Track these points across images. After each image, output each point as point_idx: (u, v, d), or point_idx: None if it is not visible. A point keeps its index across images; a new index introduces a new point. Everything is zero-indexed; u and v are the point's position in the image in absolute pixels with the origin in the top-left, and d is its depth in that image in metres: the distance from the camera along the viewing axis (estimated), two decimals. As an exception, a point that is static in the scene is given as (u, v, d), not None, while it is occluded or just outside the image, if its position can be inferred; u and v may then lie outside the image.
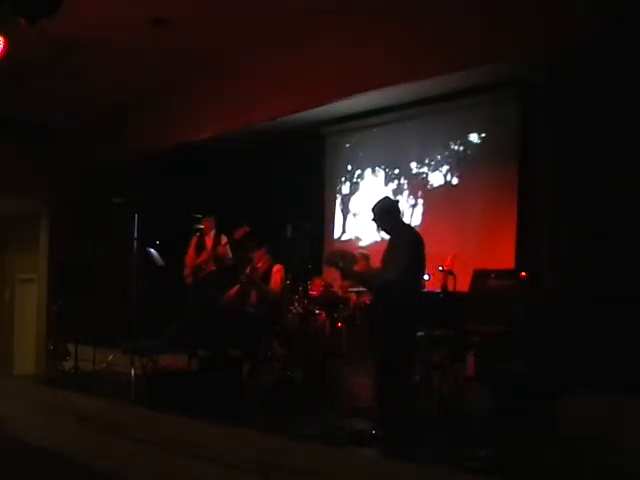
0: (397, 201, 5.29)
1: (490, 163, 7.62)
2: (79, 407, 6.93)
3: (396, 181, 8.58)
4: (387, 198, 5.37)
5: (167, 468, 5.57)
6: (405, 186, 8.46)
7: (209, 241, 7.99)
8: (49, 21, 5.11)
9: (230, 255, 7.83)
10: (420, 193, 8.29)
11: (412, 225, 5.47)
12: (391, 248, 5.02)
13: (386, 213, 5.11)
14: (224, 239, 7.86)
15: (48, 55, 7.63)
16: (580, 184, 5.16)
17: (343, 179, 9.31)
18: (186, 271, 8.01)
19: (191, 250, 8.07)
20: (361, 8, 6.67)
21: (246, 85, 8.04)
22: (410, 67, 6.47)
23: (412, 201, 8.33)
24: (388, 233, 5.13)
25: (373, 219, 5.14)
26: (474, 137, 7.76)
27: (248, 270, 7.33)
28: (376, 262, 5.66)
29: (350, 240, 9.06)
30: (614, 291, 4.88)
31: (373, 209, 5.19)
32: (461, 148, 7.90)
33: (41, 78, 8.37)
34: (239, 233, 7.40)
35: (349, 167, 9.24)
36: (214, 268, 7.84)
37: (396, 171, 8.60)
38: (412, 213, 8.33)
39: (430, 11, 6.26)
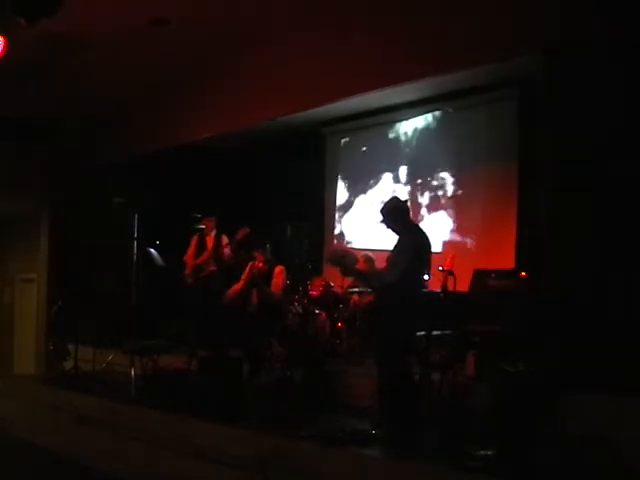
0: (406, 201, 5.28)
1: (490, 163, 7.62)
2: (79, 407, 6.93)
3: (396, 181, 8.57)
4: (396, 198, 5.35)
5: (167, 468, 5.57)
6: (405, 186, 8.46)
7: (210, 241, 7.99)
8: (49, 21, 5.11)
9: (231, 255, 7.83)
10: (420, 193, 8.28)
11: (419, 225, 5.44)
12: (399, 248, 5.01)
13: (395, 213, 5.11)
14: (225, 239, 7.86)
15: (48, 55, 7.63)
16: (580, 184, 5.15)
17: (343, 179, 9.31)
18: (187, 271, 8.01)
19: (191, 250, 8.06)
20: (361, 8, 6.68)
21: (246, 85, 8.04)
22: (410, 67, 6.47)
23: (412, 201, 8.31)
24: (397, 233, 5.11)
25: (382, 220, 5.14)
26: (474, 137, 7.75)
27: (248, 270, 7.33)
28: (380, 265, 5.65)
29: (351, 243, 9.05)
30: (614, 291, 4.88)
31: (382, 209, 5.19)
32: (461, 148, 7.89)
33: (41, 78, 8.37)
34: (240, 234, 7.40)
35: (349, 167, 9.23)
36: (215, 268, 7.84)
37: (396, 171, 8.59)
38: (413, 213, 8.32)
39: (430, 11, 6.27)
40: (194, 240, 8.09)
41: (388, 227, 5.14)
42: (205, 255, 7.89)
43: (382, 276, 5.12)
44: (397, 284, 4.78)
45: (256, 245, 7.34)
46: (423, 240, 5.04)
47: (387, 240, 5.27)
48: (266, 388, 6.17)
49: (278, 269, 7.26)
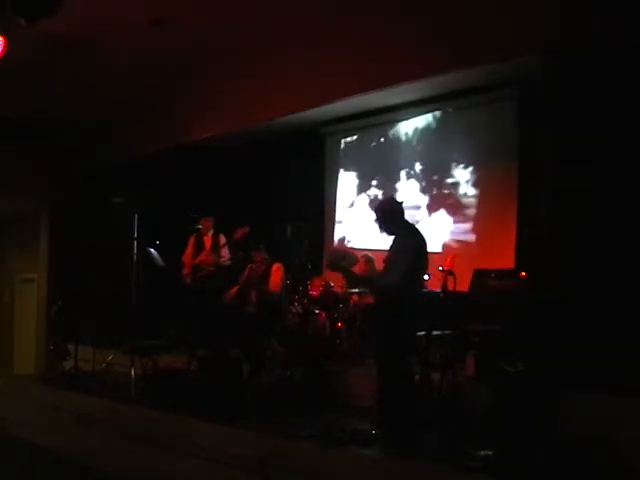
0: (401, 202, 5.25)
1: (490, 163, 7.62)
2: (79, 407, 6.93)
3: (395, 181, 8.57)
4: (391, 198, 5.34)
5: (167, 468, 5.57)
6: (404, 186, 8.46)
7: (207, 241, 7.99)
8: (49, 21, 5.12)
9: (228, 256, 7.83)
10: (420, 193, 8.28)
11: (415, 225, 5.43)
12: (394, 248, 5.01)
13: (390, 213, 5.08)
14: (222, 239, 7.86)
15: (48, 55, 7.64)
16: (580, 184, 5.16)
17: (342, 179, 9.31)
18: (185, 271, 8.01)
19: (189, 250, 8.07)
20: (361, 9, 6.68)
21: (246, 85, 8.04)
22: (410, 67, 6.48)
23: (412, 201, 8.31)
24: (391, 234, 5.09)
25: (376, 219, 5.12)
26: (474, 137, 7.75)
27: (247, 270, 7.33)
28: (380, 265, 5.65)
29: (350, 242, 9.05)
30: (614, 291, 4.88)
31: (376, 209, 5.17)
32: (461, 148, 7.89)
33: (41, 78, 8.37)
34: (239, 233, 7.39)
35: (349, 167, 9.23)
36: (213, 268, 7.83)
37: (396, 171, 8.59)
38: (413, 213, 8.32)
39: (430, 11, 6.28)
40: (191, 240, 8.10)
41: (381, 227, 5.09)
42: (203, 255, 7.89)
43: (382, 278, 5.12)
44: (397, 285, 4.77)
45: (253, 245, 7.35)
46: (420, 241, 5.03)
47: (387, 240, 5.26)
48: (266, 388, 6.17)
49: (275, 267, 7.27)
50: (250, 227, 7.37)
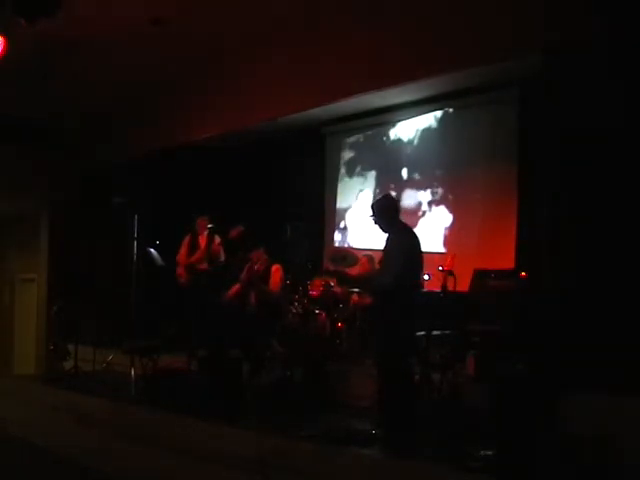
0: (397, 200, 5.27)
1: (490, 163, 7.62)
2: (79, 407, 6.93)
3: (395, 181, 8.57)
4: (388, 195, 5.37)
5: (167, 468, 5.57)
6: (404, 186, 8.46)
7: (202, 240, 7.99)
8: (49, 21, 5.12)
9: (223, 255, 7.83)
10: (420, 193, 8.28)
11: (410, 225, 5.44)
12: (389, 247, 5.02)
13: (385, 211, 5.10)
14: (217, 239, 7.86)
15: (48, 55, 7.64)
16: (580, 184, 5.16)
17: (342, 179, 9.31)
18: (179, 270, 8.01)
19: (183, 249, 8.07)
20: (361, 9, 6.68)
21: (246, 85, 8.04)
22: (410, 67, 6.48)
23: (412, 201, 8.32)
24: (385, 231, 5.12)
25: (372, 215, 5.14)
26: (474, 137, 7.75)
27: (246, 270, 7.32)
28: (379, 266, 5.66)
29: (351, 242, 9.05)
30: (614, 291, 4.88)
31: (373, 205, 5.19)
32: (461, 148, 7.89)
33: (41, 78, 8.37)
34: (234, 232, 7.39)
35: (349, 167, 9.23)
36: (207, 267, 7.82)
37: (397, 171, 8.59)
38: (414, 213, 8.32)
39: (429, 11, 6.27)
40: (186, 240, 8.10)
41: (376, 224, 5.12)
42: (198, 254, 7.89)
43: (378, 278, 5.13)
44: (393, 284, 4.78)
45: (252, 245, 7.35)
46: (413, 240, 5.05)
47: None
48: (266, 388, 6.17)
49: (275, 267, 7.27)
50: (245, 226, 7.36)
